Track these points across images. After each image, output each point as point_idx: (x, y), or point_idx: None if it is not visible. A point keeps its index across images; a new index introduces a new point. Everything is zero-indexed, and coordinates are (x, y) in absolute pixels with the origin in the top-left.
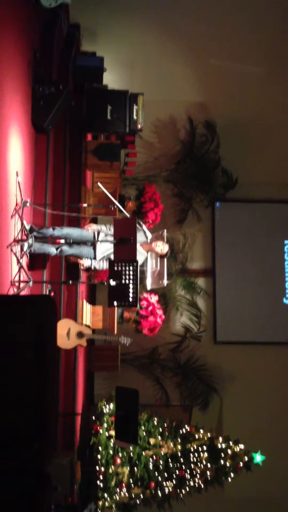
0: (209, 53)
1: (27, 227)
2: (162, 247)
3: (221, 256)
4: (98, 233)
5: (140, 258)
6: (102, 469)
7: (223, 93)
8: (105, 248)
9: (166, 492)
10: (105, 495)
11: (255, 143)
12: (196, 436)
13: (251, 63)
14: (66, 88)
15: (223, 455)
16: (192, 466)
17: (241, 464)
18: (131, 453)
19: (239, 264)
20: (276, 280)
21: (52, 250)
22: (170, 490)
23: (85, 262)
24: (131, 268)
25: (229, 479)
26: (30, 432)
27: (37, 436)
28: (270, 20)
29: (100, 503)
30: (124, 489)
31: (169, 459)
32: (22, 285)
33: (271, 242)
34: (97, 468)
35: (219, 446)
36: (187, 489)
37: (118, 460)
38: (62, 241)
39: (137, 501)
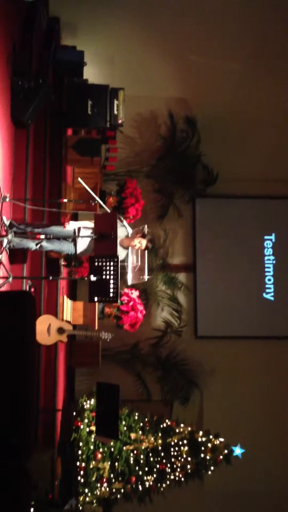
0: (190, 49)
1: (7, 222)
2: (139, 244)
3: (202, 251)
4: (79, 229)
5: (121, 254)
6: (83, 464)
7: (204, 89)
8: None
9: (147, 486)
10: (86, 490)
11: (236, 139)
12: (177, 430)
13: (232, 60)
14: (46, 82)
15: (203, 449)
16: (173, 460)
17: (221, 457)
18: (112, 448)
19: (220, 259)
20: (256, 275)
21: (32, 245)
22: (151, 484)
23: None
24: (111, 263)
25: (209, 472)
26: (8, 428)
27: (16, 432)
28: (250, 18)
29: (81, 498)
30: (105, 484)
31: (150, 454)
32: (1, 281)
33: (251, 237)
34: (78, 463)
35: (200, 439)
36: (168, 483)
37: (99, 455)
38: (42, 236)
39: (118, 495)
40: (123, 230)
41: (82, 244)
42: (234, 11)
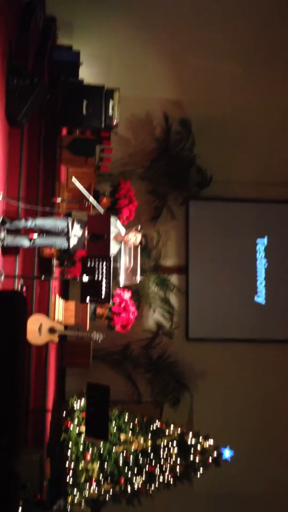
0: (186, 50)
1: None
2: (134, 239)
3: (194, 253)
4: (73, 224)
5: (114, 248)
6: (72, 465)
7: (199, 91)
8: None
9: (136, 488)
10: (75, 491)
11: (230, 142)
12: (167, 432)
13: (227, 62)
14: (41, 81)
15: (193, 451)
16: (162, 461)
17: (210, 459)
18: (102, 449)
19: (212, 262)
20: (248, 278)
21: (25, 242)
22: (140, 486)
23: None
24: (104, 264)
25: (198, 475)
26: None
27: (5, 432)
28: (246, 21)
29: (70, 499)
30: (94, 485)
31: (139, 455)
32: None
33: (243, 240)
34: (67, 464)
35: (189, 441)
36: (156, 485)
37: (88, 456)
38: (35, 234)
39: (107, 497)
40: (116, 228)
41: (74, 238)
42: (231, 14)
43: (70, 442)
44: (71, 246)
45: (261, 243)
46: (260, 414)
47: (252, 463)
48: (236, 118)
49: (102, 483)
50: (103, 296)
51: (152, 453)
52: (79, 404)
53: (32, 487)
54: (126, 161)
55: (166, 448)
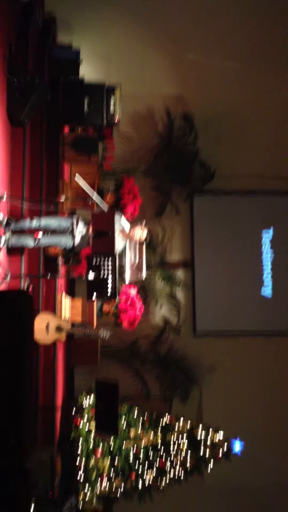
0: (187, 45)
1: (4, 221)
2: (141, 234)
3: (200, 248)
4: (77, 222)
5: (119, 244)
6: (83, 462)
7: (201, 86)
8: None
9: (147, 483)
10: (86, 488)
11: (232, 136)
12: (176, 427)
13: (229, 57)
14: (42, 80)
15: (203, 445)
16: (172, 456)
17: (221, 453)
18: (112, 445)
19: (218, 256)
20: (254, 271)
21: (30, 242)
22: (151, 481)
23: None
24: (109, 261)
25: (209, 470)
26: (6, 428)
27: (14, 431)
28: (248, 16)
29: (81, 496)
30: (105, 481)
31: (150, 450)
32: None
33: (249, 233)
34: (78, 461)
35: (199, 435)
36: (167, 480)
37: (99, 453)
38: (40, 233)
39: (118, 493)
40: (120, 225)
41: (79, 237)
42: (232, 9)
43: (80, 439)
44: (76, 244)
45: (267, 235)
46: (269, 407)
47: (262, 456)
48: (238, 111)
49: (113, 479)
50: (109, 293)
51: (162, 448)
52: (88, 401)
53: (44, 485)
54: (129, 158)
55: (176, 443)
